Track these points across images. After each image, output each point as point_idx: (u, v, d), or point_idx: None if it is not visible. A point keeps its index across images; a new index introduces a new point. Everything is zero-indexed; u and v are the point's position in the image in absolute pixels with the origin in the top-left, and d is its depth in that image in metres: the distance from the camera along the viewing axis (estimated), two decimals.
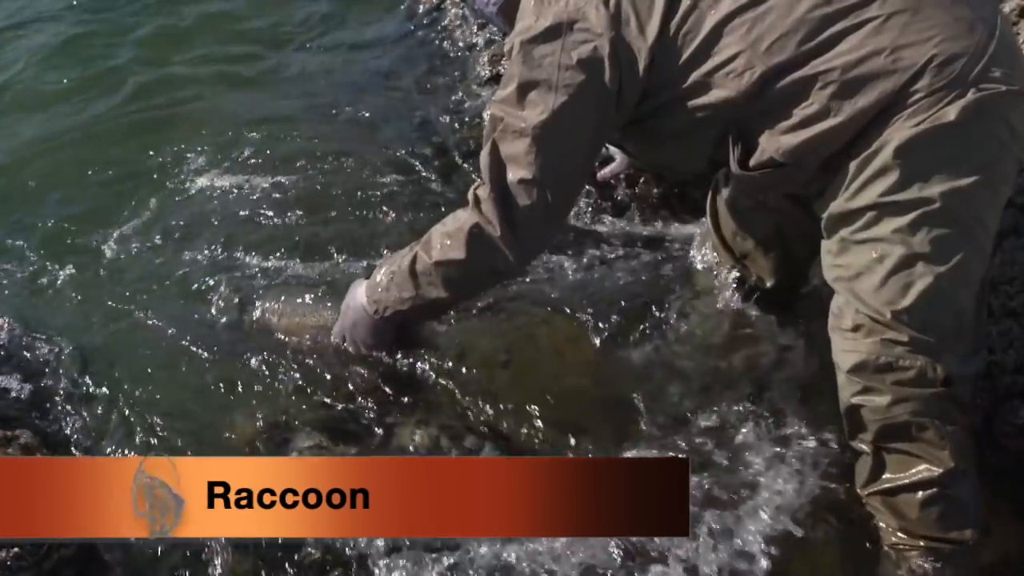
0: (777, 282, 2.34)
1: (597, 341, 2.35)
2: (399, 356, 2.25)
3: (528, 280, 2.50)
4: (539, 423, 2.13)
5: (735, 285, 2.37)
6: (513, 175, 1.89)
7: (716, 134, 1.87)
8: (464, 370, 2.27)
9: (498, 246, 1.94)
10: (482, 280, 2.09)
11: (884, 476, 1.86)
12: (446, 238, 1.99)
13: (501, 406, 2.17)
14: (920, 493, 1.82)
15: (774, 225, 2.25)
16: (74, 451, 2.09)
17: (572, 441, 2.09)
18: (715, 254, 2.41)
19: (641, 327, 2.36)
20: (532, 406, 2.16)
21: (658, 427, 2.12)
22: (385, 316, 2.13)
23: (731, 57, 1.76)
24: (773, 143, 1.80)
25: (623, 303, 2.43)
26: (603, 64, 1.81)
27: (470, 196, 1.98)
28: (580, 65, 1.81)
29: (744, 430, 2.10)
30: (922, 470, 1.81)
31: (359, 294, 2.17)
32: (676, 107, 1.85)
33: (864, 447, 1.87)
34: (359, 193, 2.95)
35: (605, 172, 2.72)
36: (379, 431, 2.12)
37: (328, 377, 2.24)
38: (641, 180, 2.88)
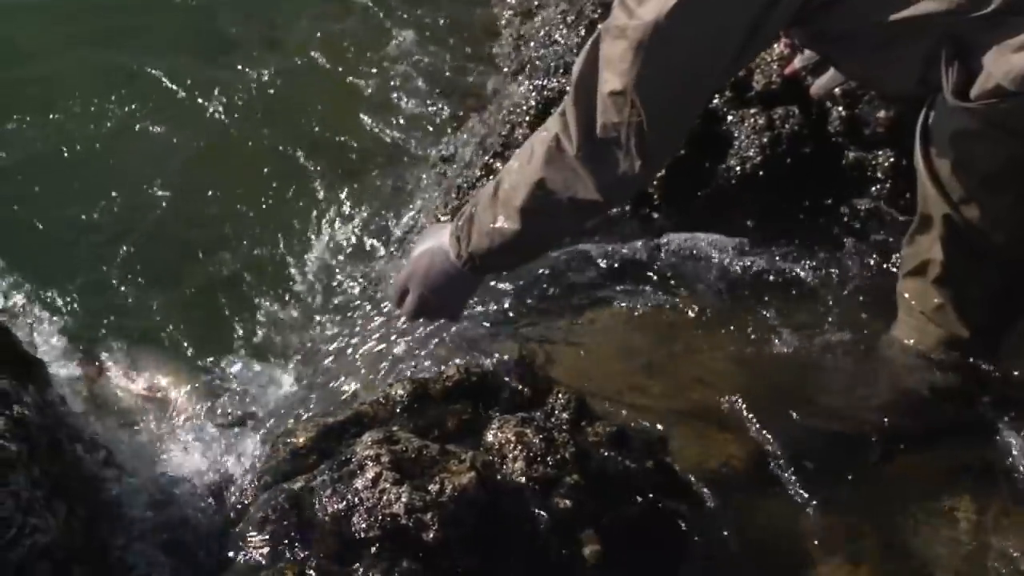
0: (1007, 243, 1.66)
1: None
2: (463, 324, 1.96)
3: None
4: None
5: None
6: (604, 84, 1.52)
7: (925, 50, 1.46)
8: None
9: (575, 168, 1.57)
10: (563, 213, 1.63)
11: None
12: (528, 153, 1.64)
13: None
14: None
15: (1009, 157, 1.58)
16: None
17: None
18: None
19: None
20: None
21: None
22: (465, 258, 1.74)
23: None
24: (1003, 64, 1.39)
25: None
26: None
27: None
28: None
29: None
30: None
31: (443, 234, 1.78)
32: (868, 16, 1.44)
33: None
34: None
35: (817, 86, 2.23)
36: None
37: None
38: (865, 98, 2.39)
